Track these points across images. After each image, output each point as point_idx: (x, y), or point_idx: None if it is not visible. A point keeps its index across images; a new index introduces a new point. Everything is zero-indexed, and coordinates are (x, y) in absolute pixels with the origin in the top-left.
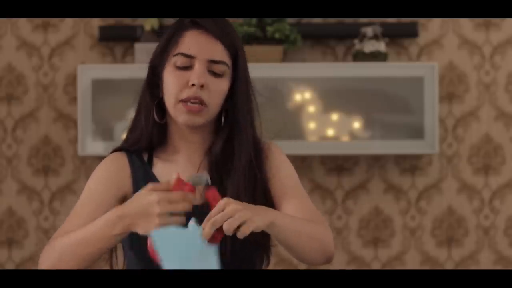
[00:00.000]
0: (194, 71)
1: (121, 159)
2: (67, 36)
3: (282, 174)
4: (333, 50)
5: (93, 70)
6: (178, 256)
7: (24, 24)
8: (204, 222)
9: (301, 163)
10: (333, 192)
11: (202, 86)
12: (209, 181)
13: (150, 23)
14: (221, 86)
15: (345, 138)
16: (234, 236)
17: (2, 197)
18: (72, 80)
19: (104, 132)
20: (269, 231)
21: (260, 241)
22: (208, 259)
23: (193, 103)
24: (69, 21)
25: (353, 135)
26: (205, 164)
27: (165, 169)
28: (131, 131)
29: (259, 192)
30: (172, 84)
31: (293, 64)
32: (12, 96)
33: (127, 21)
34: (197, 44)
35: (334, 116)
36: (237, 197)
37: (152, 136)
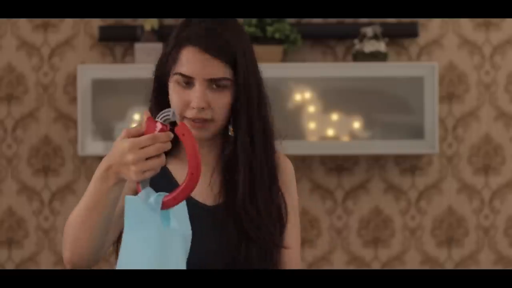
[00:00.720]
0: (194, 92)
1: None
2: (67, 36)
3: (290, 197)
4: (333, 50)
5: (93, 70)
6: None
7: (24, 24)
8: None
9: (301, 163)
10: (333, 192)
11: (203, 108)
12: (177, 116)
13: (150, 23)
14: (224, 99)
15: (345, 138)
16: (248, 242)
17: (2, 197)
18: (72, 80)
19: (104, 132)
20: None
21: (271, 240)
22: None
23: (197, 122)
24: (69, 21)
25: (353, 135)
26: (221, 167)
27: (179, 166)
28: None
29: (275, 191)
30: (175, 102)
31: (293, 64)
32: (12, 96)
33: (127, 21)
34: (194, 64)
35: (334, 116)
36: (253, 188)
37: None
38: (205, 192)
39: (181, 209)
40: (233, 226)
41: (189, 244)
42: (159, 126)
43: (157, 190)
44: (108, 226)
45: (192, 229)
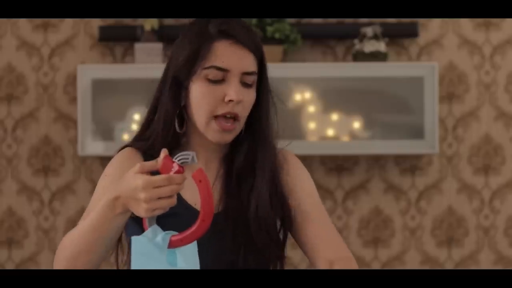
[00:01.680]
0: (230, 85)
1: (136, 157)
2: (67, 36)
3: (303, 193)
4: (333, 50)
5: (93, 70)
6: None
7: (24, 24)
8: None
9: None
10: (333, 192)
11: (240, 101)
12: (196, 160)
13: (150, 23)
14: (251, 96)
15: (345, 138)
16: (247, 247)
17: (2, 197)
18: (72, 80)
19: (104, 132)
20: None
21: (274, 251)
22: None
23: (228, 118)
24: (69, 21)
25: (353, 135)
26: (223, 173)
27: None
28: (145, 133)
29: (280, 206)
30: (205, 99)
31: (293, 64)
32: (12, 96)
33: (127, 21)
34: (230, 56)
35: (334, 116)
36: (262, 210)
37: (168, 142)
38: None
39: (190, 247)
40: (231, 235)
41: None
42: (175, 167)
43: None
44: (109, 249)
45: None
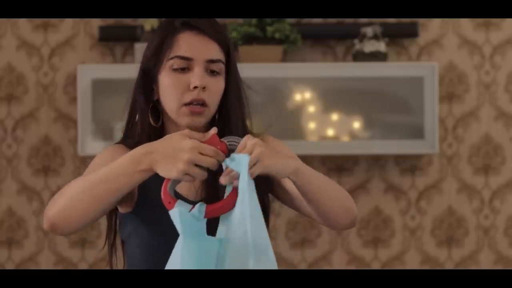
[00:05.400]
0: (194, 73)
1: (124, 150)
2: (67, 36)
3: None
4: (333, 50)
5: (93, 70)
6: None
7: (24, 24)
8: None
9: None
10: None
11: (204, 88)
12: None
13: (150, 23)
14: (219, 84)
15: (345, 138)
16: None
17: (2, 197)
18: (72, 80)
19: (104, 132)
20: (293, 178)
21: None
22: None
23: (195, 105)
24: (69, 21)
25: (353, 135)
26: None
27: None
28: (127, 135)
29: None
30: (172, 88)
31: (293, 64)
32: (12, 96)
33: (127, 21)
34: (193, 45)
35: (334, 116)
36: None
37: (149, 139)
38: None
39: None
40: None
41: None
42: (223, 146)
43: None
44: (106, 210)
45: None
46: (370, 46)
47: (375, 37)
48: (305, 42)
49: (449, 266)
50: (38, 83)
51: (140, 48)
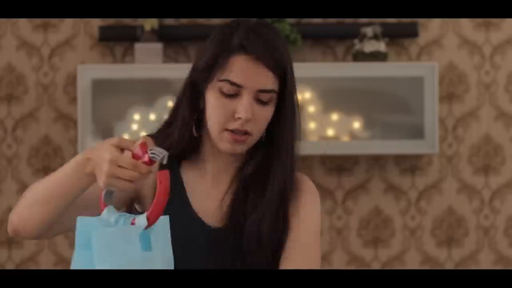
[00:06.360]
0: (241, 102)
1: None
2: (67, 36)
3: (305, 224)
4: (333, 50)
5: (93, 70)
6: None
7: (24, 24)
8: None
9: (301, 163)
10: (333, 192)
11: (250, 119)
12: (165, 161)
13: (150, 23)
14: (267, 113)
15: (345, 138)
16: (244, 265)
17: (2, 197)
18: (72, 80)
19: (104, 132)
20: None
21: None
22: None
23: (238, 133)
24: (69, 21)
25: (353, 135)
26: (234, 184)
27: (192, 176)
28: (167, 130)
29: (282, 226)
30: (217, 112)
31: (293, 64)
32: (12, 96)
33: (127, 21)
34: (246, 72)
35: (334, 116)
36: (258, 228)
37: (185, 144)
38: (212, 212)
39: (162, 226)
40: (230, 250)
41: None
42: (146, 158)
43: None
44: (63, 210)
45: (192, 248)
46: (370, 46)
47: (375, 37)
48: (305, 42)
49: (449, 266)
50: (38, 83)
51: (140, 48)
